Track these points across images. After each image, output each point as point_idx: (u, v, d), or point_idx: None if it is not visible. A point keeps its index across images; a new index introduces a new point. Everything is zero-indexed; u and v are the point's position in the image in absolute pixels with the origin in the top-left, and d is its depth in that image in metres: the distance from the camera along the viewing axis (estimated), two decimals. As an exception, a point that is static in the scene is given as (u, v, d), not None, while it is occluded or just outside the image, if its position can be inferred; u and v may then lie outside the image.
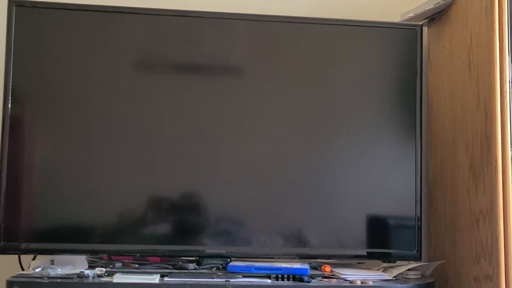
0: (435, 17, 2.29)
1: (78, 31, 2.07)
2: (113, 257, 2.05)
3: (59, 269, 1.87)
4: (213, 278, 1.87)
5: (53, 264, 1.94)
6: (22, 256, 2.03)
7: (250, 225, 2.08)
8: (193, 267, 2.00)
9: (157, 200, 2.06)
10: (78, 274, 1.85)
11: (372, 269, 2.11)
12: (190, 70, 2.12)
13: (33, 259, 2.02)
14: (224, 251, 2.04)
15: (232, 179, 2.09)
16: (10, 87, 2.00)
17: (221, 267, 2.02)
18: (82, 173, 2.02)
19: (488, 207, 1.88)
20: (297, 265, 1.97)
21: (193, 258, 2.06)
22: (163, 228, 2.06)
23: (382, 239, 2.12)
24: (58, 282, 1.81)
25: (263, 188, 2.10)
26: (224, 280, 1.86)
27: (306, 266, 1.96)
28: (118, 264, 2.02)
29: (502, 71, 1.88)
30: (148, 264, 2.04)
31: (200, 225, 2.07)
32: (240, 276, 1.92)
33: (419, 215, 2.12)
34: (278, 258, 2.08)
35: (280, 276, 1.91)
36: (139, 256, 2.05)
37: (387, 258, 2.13)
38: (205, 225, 2.07)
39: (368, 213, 2.12)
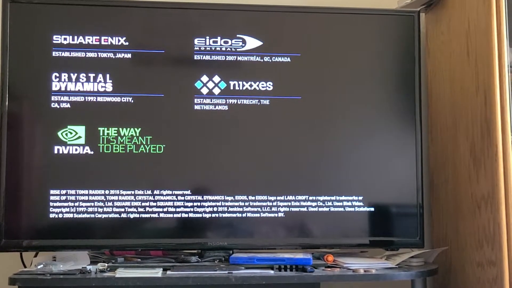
0: (432, 2, 2.27)
1: (74, 26, 2.05)
2: (115, 252, 2.05)
3: (61, 265, 1.87)
4: (215, 271, 1.87)
5: (55, 260, 1.93)
6: (24, 253, 2.03)
7: (252, 216, 2.08)
8: (196, 260, 1.99)
9: (158, 193, 2.05)
10: (80, 269, 1.85)
11: (375, 257, 2.10)
12: (188, 63, 2.11)
13: (35, 256, 2.02)
14: (226, 243, 2.03)
15: (233, 170, 2.08)
16: (7, 84, 1.99)
17: (223, 259, 2.02)
18: (82, 169, 2.02)
19: (489, 192, 1.87)
20: (299, 255, 1.96)
21: (196, 251, 2.05)
22: (165, 222, 2.05)
23: (384, 227, 2.12)
24: (60, 278, 1.80)
25: (264, 178, 2.09)
26: (226, 272, 1.86)
27: (309, 256, 1.96)
28: (120, 259, 2.01)
29: (501, 56, 1.88)
30: (151, 258, 2.03)
31: (202, 218, 2.06)
32: (243, 267, 1.92)
33: (420, 202, 2.11)
34: (281, 248, 2.08)
35: (283, 266, 1.91)
36: (141, 250, 2.05)
37: (389, 246, 2.12)
38: (207, 218, 2.06)
39: (369, 202, 2.11)
